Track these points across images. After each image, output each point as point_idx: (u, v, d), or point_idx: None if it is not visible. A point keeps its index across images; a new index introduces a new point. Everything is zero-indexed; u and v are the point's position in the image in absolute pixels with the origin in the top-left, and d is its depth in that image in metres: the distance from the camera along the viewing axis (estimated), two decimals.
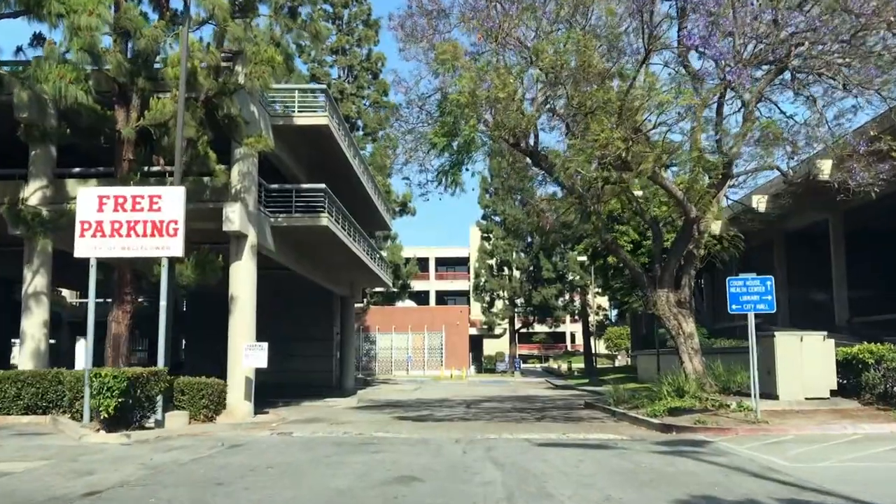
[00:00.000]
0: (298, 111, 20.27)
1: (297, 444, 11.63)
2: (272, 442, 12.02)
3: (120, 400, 12.38)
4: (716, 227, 17.31)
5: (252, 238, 18.02)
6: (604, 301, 63.12)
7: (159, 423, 13.79)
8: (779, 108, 16.69)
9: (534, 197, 18.71)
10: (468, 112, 12.43)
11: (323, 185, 19.93)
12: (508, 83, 13.13)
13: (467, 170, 14.15)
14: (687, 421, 13.10)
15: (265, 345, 16.97)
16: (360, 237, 26.42)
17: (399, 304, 59.81)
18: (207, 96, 16.07)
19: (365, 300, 47.11)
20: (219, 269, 16.63)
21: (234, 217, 17.24)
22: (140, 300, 42.53)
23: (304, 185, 20.56)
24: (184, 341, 38.94)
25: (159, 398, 13.68)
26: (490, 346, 69.38)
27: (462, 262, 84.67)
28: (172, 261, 14.90)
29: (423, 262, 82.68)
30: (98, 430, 12.66)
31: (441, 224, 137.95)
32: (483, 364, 63.77)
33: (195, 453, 10.44)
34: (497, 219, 57.47)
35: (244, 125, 16.95)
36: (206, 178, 17.96)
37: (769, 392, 14.30)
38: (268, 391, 29.05)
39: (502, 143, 15.72)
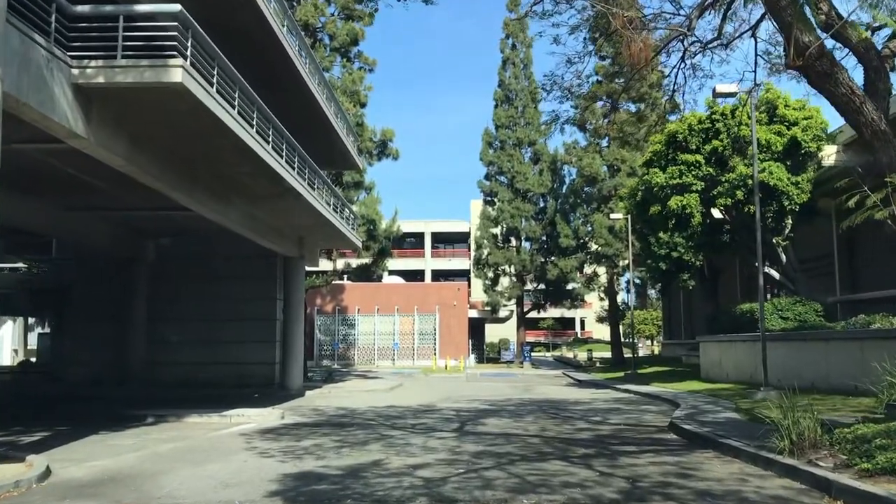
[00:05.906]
0: None
1: None
2: None
3: None
4: None
5: None
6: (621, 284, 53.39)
7: None
8: None
9: None
10: None
11: (178, 7, 10.16)
12: None
13: None
14: None
15: None
16: (295, 157, 16.79)
17: (387, 279, 49.99)
18: None
19: (332, 270, 37.29)
20: None
21: None
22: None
23: (142, 8, 10.65)
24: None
25: None
26: (492, 332, 59.44)
27: (462, 239, 74.86)
28: None
29: (417, 238, 73.01)
30: None
31: (439, 197, 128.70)
32: (485, 352, 53.89)
33: None
34: (503, 179, 47.64)
35: None
36: None
37: None
38: (168, 392, 19.69)
39: None
